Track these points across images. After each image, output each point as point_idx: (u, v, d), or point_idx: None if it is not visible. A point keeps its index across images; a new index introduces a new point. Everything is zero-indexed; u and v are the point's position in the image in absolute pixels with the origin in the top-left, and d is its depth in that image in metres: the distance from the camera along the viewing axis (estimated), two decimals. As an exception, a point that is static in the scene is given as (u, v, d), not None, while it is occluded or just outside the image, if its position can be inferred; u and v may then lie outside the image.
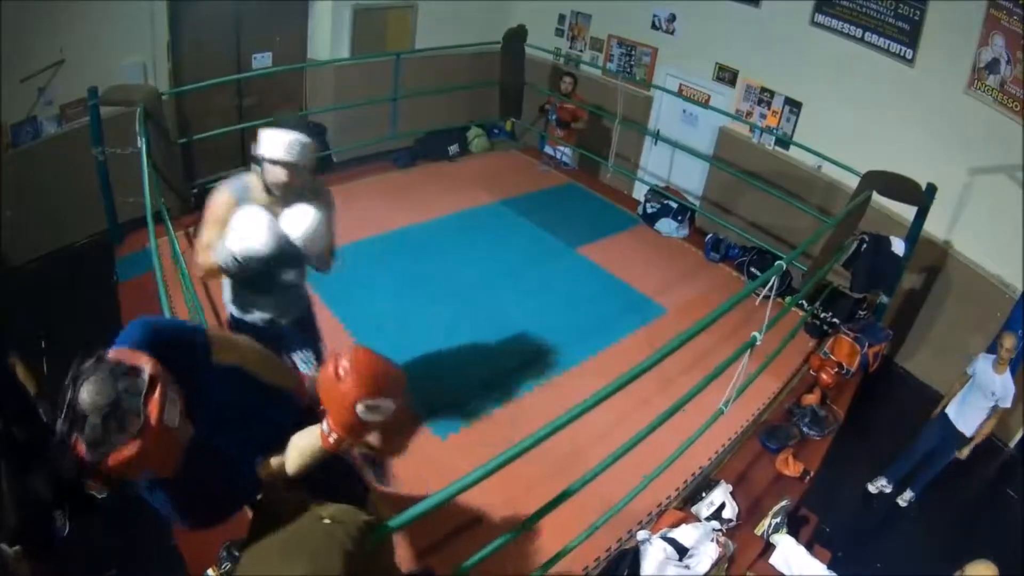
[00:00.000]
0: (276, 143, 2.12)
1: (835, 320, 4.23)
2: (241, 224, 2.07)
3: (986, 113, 4.08)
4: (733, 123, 5.56)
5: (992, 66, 4.01)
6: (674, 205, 5.42)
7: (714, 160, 5.69)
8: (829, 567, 3.15)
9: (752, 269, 4.85)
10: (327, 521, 1.34)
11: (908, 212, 4.11)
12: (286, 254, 2.16)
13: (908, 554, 3.47)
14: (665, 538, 2.57)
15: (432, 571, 2.29)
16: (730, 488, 2.96)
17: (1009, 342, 3.32)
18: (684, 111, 5.99)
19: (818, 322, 4.29)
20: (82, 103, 4.17)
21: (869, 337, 3.96)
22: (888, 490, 3.75)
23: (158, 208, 3.91)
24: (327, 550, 1.32)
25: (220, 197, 2.17)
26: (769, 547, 2.80)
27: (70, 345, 4.21)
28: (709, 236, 5.28)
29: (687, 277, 4.80)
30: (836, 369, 3.79)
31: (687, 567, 2.53)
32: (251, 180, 2.21)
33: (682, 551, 2.55)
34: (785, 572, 2.67)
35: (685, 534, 2.60)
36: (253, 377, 1.48)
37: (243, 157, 6.00)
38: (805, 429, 3.51)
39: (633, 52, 6.24)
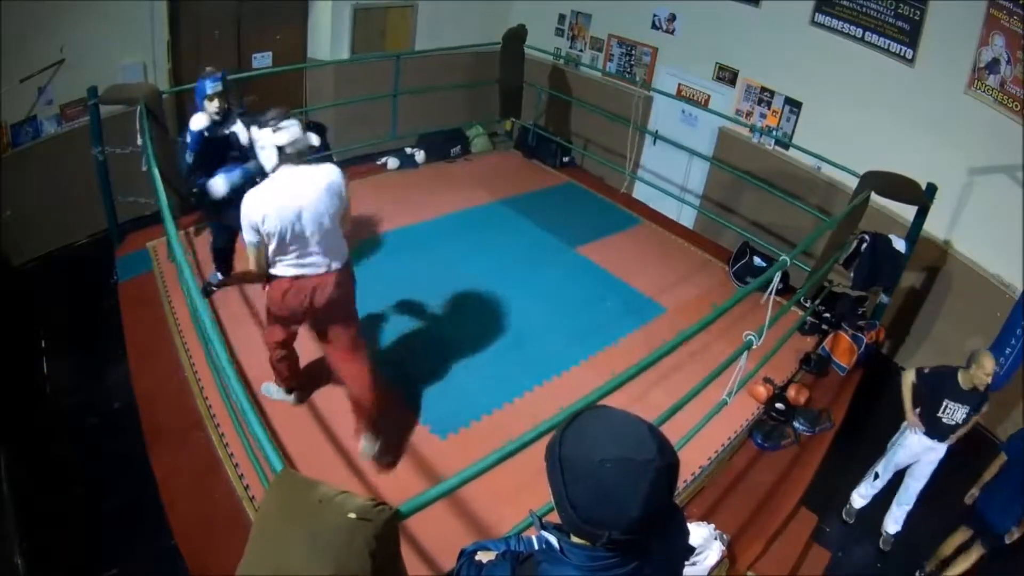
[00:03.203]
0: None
1: (834, 319, 4.23)
2: None
3: (986, 113, 4.08)
4: (733, 123, 5.56)
5: (992, 66, 4.01)
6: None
7: (714, 160, 5.69)
8: (829, 568, 3.17)
9: (748, 278, 4.77)
10: (352, 516, 1.30)
11: (908, 212, 4.11)
12: None
13: (907, 554, 3.47)
14: None
15: None
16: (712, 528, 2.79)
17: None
18: (683, 111, 5.99)
19: (817, 321, 4.29)
20: (82, 103, 4.17)
21: (867, 331, 4.00)
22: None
23: (159, 207, 3.91)
24: (355, 552, 1.29)
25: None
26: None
27: (70, 345, 4.22)
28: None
29: (687, 277, 4.80)
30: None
31: (693, 564, 2.55)
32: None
33: (689, 551, 2.56)
34: None
35: (693, 533, 2.60)
36: None
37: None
38: (797, 426, 3.52)
39: (633, 52, 6.24)
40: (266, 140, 2.39)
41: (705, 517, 2.86)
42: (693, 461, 3.14)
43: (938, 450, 3.28)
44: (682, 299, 4.45)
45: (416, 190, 5.50)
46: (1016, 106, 3.91)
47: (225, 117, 3.38)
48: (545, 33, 6.74)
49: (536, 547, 1.17)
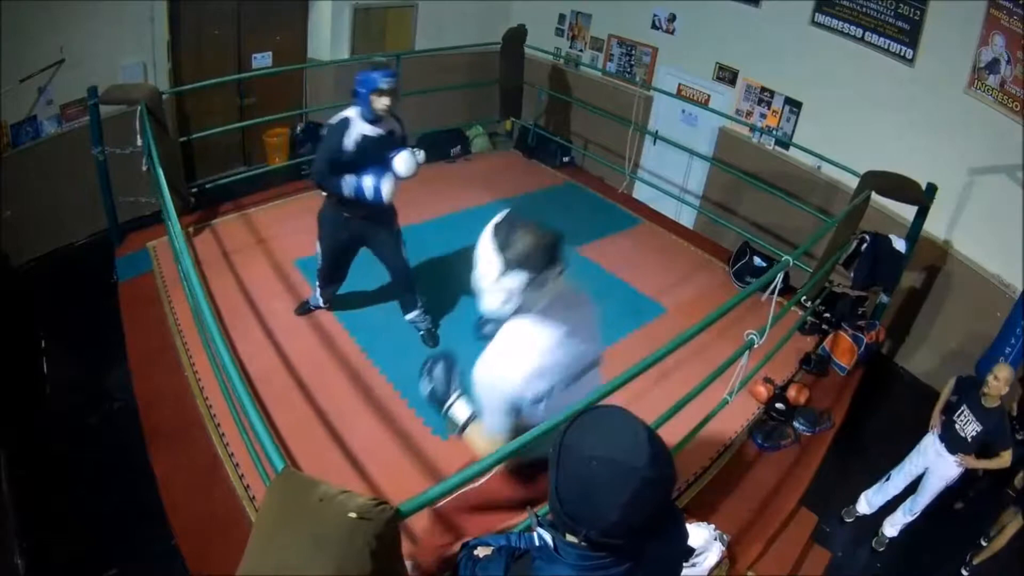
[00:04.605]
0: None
1: (834, 319, 4.23)
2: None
3: (986, 113, 4.08)
4: (733, 123, 5.56)
5: (992, 66, 4.01)
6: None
7: (714, 160, 5.69)
8: (829, 568, 3.17)
9: (748, 278, 4.78)
10: (353, 516, 1.30)
11: (908, 212, 4.11)
12: None
13: (907, 554, 3.47)
14: None
15: None
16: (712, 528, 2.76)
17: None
18: (684, 111, 5.99)
19: (817, 321, 4.29)
20: (82, 103, 4.17)
21: (867, 331, 4.00)
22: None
23: (159, 207, 3.92)
24: (355, 551, 1.29)
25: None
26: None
27: (70, 345, 4.22)
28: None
29: (687, 277, 4.81)
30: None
31: (693, 565, 2.54)
32: None
33: (688, 552, 2.56)
34: None
35: (693, 535, 2.60)
36: None
37: (243, 157, 6.01)
38: (797, 426, 3.52)
39: (633, 52, 6.24)
40: (500, 283, 1.55)
41: (705, 517, 2.86)
42: (694, 461, 3.15)
43: (946, 461, 3.20)
44: (682, 299, 4.45)
45: (416, 190, 5.46)
46: (1016, 106, 3.91)
47: (387, 116, 3.08)
48: (545, 33, 6.74)
49: (536, 544, 1.18)
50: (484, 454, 1.65)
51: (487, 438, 1.67)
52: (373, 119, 3.03)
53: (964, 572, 3.41)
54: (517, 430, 1.65)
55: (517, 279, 1.53)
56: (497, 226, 1.56)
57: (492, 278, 1.55)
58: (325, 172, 3.05)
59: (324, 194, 3.26)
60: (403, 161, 3.06)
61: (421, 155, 3.22)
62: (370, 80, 2.93)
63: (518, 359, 1.60)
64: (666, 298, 4.44)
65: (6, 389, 3.37)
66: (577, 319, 1.70)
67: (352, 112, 3.05)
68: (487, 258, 1.55)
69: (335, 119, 3.08)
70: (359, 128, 3.04)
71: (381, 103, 2.97)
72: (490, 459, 1.65)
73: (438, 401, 1.75)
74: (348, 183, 3.06)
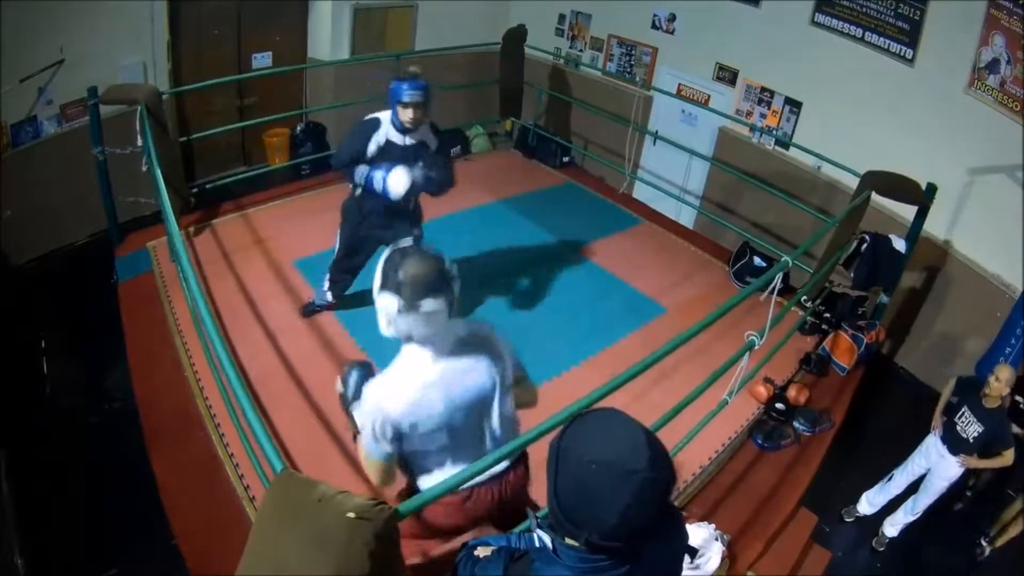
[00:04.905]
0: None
1: (834, 319, 4.23)
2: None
3: (986, 113, 4.08)
4: (733, 123, 5.56)
5: (992, 66, 4.01)
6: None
7: (714, 160, 5.69)
8: (829, 568, 3.17)
9: (748, 278, 4.75)
10: (351, 516, 1.30)
11: (908, 212, 4.11)
12: None
13: (907, 554, 3.47)
14: None
15: None
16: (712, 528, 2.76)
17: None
18: (683, 111, 5.99)
19: (817, 321, 4.29)
20: (82, 103, 4.17)
21: (867, 331, 4.00)
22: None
23: (159, 207, 3.92)
24: (354, 551, 1.29)
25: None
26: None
27: (70, 345, 4.22)
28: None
29: (687, 277, 4.80)
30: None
31: (697, 567, 2.54)
32: None
33: (692, 552, 2.55)
34: None
35: (693, 535, 2.59)
36: None
37: (243, 157, 6.01)
38: (797, 426, 3.51)
39: (633, 52, 6.24)
40: (378, 299, 1.63)
41: (705, 517, 2.86)
42: (694, 461, 3.14)
43: (948, 462, 3.19)
44: (682, 299, 4.45)
45: (416, 190, 5.49)
46: (1016, 106, 3.91)
47: (415, 127, 3.04)
48: (545, 33, 6.73)
49: (536, 545, 1.18)
50: (366, 467, 1.69)
51: (363, 456, 1.68)
52: (402, 128, 3.03)
53: (983, 543, 3.44)
54: (399, 462, 1.71)
55: (389, 302, 1.58)
56: (401, 248, 1.65)
57: (374, 292, 1.62)
58: (344, 161, 3.11)
59: (350, 186, 3.30)
60: (395, 179, 2.97)
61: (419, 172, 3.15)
62: (397, 91, 2.90)
63: (397, 388, 1.63)
64: (666, 298, 4.44)
65: (6, 389, 3.37)
66: (470, 359, 1.71)
67: (384, 115, 3.05)
68: (377, 272, 1.63)
69: (368, 117, 3.09)
70: (386, 132, 3.04)
71: (405, 115, 2.95)
72: (485, 461, 1.66)
73: (347, 407, 1.80)
74: (360, 171, 3.09)
